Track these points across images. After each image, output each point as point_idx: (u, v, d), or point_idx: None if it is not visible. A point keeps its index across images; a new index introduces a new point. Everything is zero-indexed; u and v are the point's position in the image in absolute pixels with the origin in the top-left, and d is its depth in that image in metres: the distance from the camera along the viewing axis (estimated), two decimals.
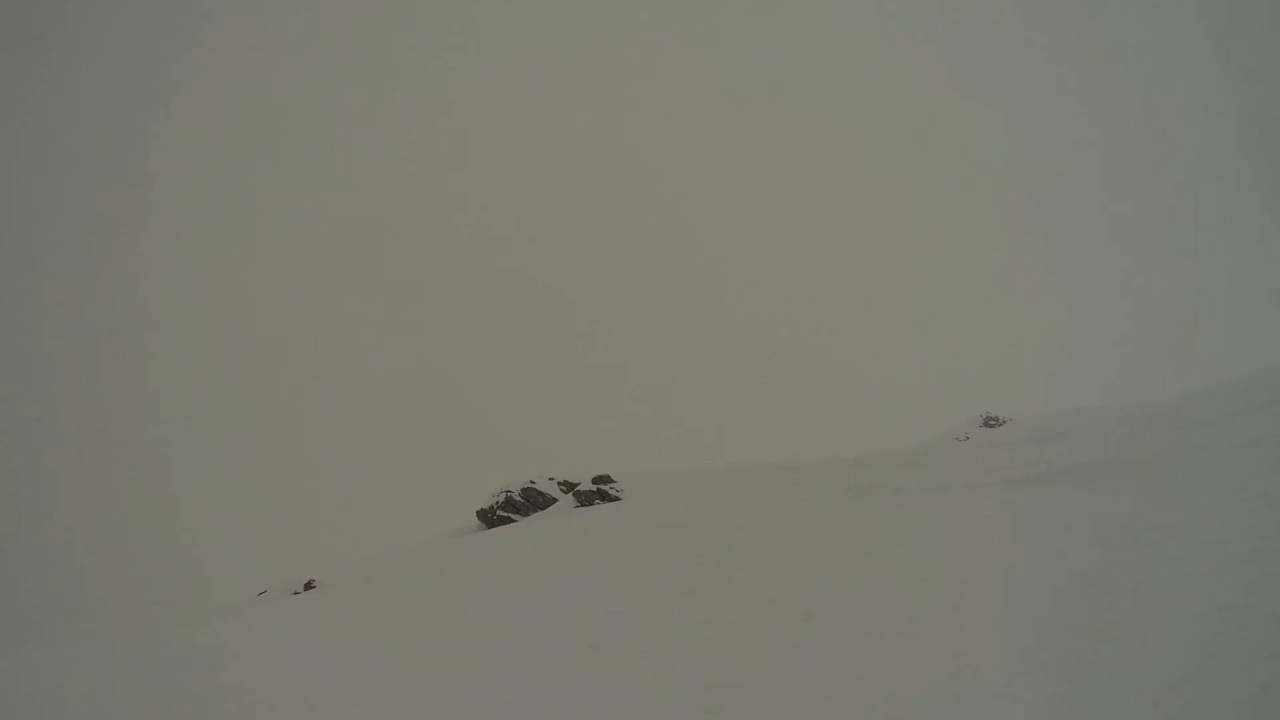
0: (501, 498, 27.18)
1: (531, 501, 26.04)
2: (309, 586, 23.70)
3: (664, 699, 7.63)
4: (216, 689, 10.15)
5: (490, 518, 26.59)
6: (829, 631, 8.58)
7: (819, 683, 7.35)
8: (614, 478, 24.34)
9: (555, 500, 25.42)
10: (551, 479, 27.06)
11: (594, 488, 23.81)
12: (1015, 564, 9.52)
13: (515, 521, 25.05)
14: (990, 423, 46.10)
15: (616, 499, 22.77)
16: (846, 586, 9.87)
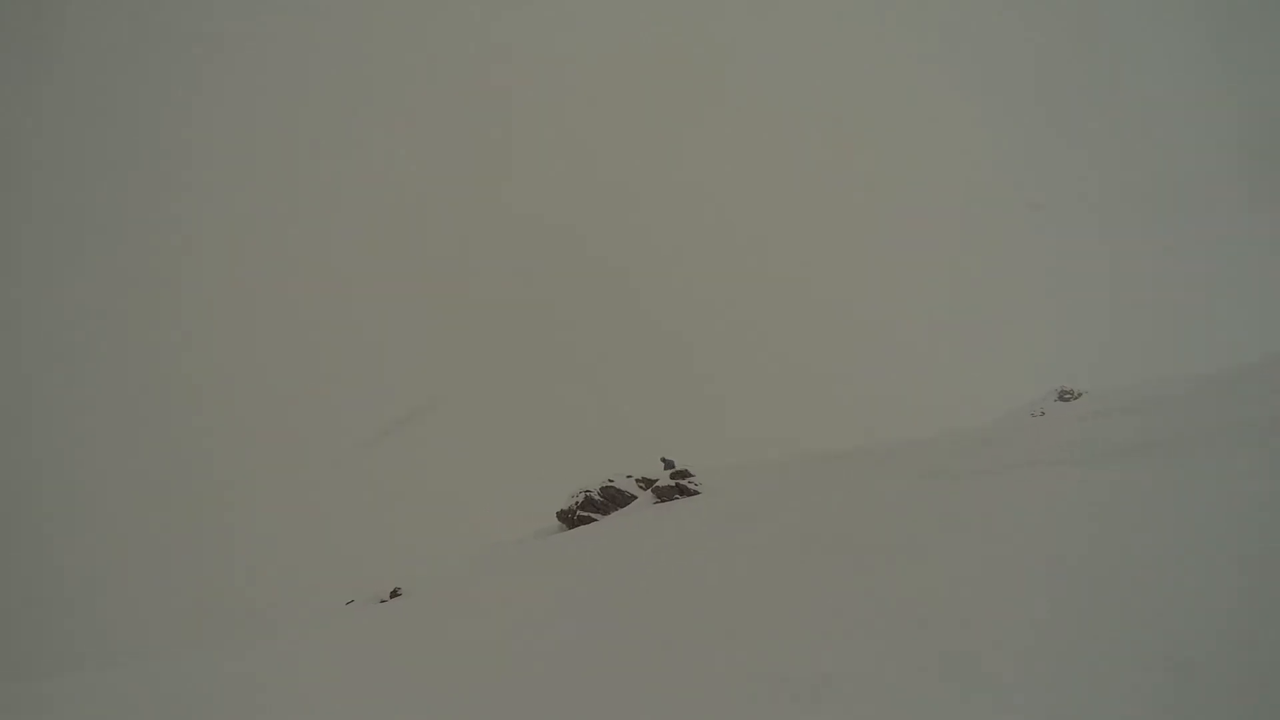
0: (581, 498, 27.77)
1: (611, 500, 26.56)
2: (394, 594, 24.60)
3: (756, 694, 7.42)
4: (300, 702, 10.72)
5: (571, 518, 27.21)
6: (921, 619, 8.26)
7: (915, 672, 7.08)
8: (691, 472, 24.75)
9: (634, 498, 25.88)
10: (630, 477, 27.53)
11: (672, 483, 24.18)
12: (1106, 544, 9.35)
13: (596, 521, 25.64)
14: (1065, 396, 45.30)
15: (695, 493, 23.12)
16: (933, 572, 9.59)
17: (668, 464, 29.38)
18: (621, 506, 25.67)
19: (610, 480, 27.48)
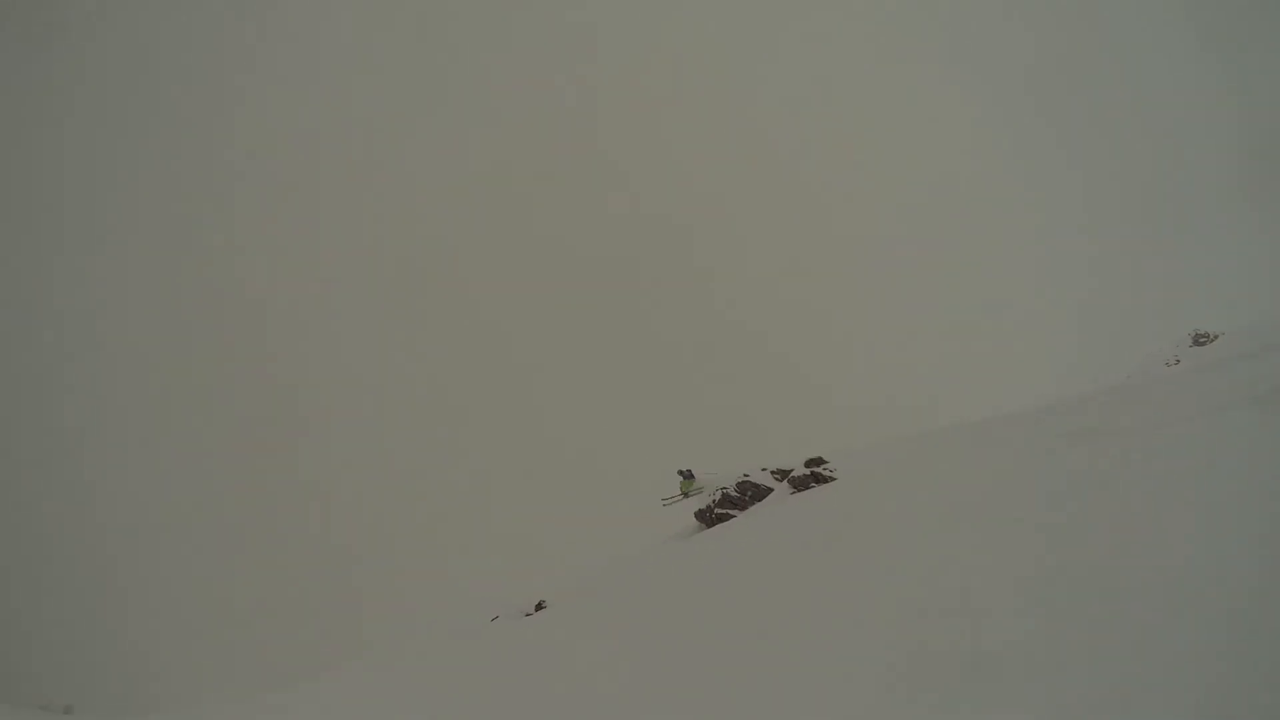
0: (717, 495, 28.24)
1: (747, 494, 26.93)
2: (539, 607, 25.46)
3: (915, 676, 7.31)
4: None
5: (709, 517, 27.72)
6: (1085, 590, 7.91)
7: (1084, 647, 6.73)
8: (826, 458, 25.01)
9: (770, 490, 26.16)
10: (764, 469, 27.80)
11: (807, 471, 24.33)
12: (1268, 498, 8.77)
13: (734, 516, 26.12)
14: (1201, 340, 43.50)
15: (831, 479, 23.36)
16: (1090, 540, 9.27)
17: (685, 474, 30.33)
18: (759, 500, 26.03)
19: (745, 474, 27.87)
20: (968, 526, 11.93)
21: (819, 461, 24.09)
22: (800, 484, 23.97)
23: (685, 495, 30.10)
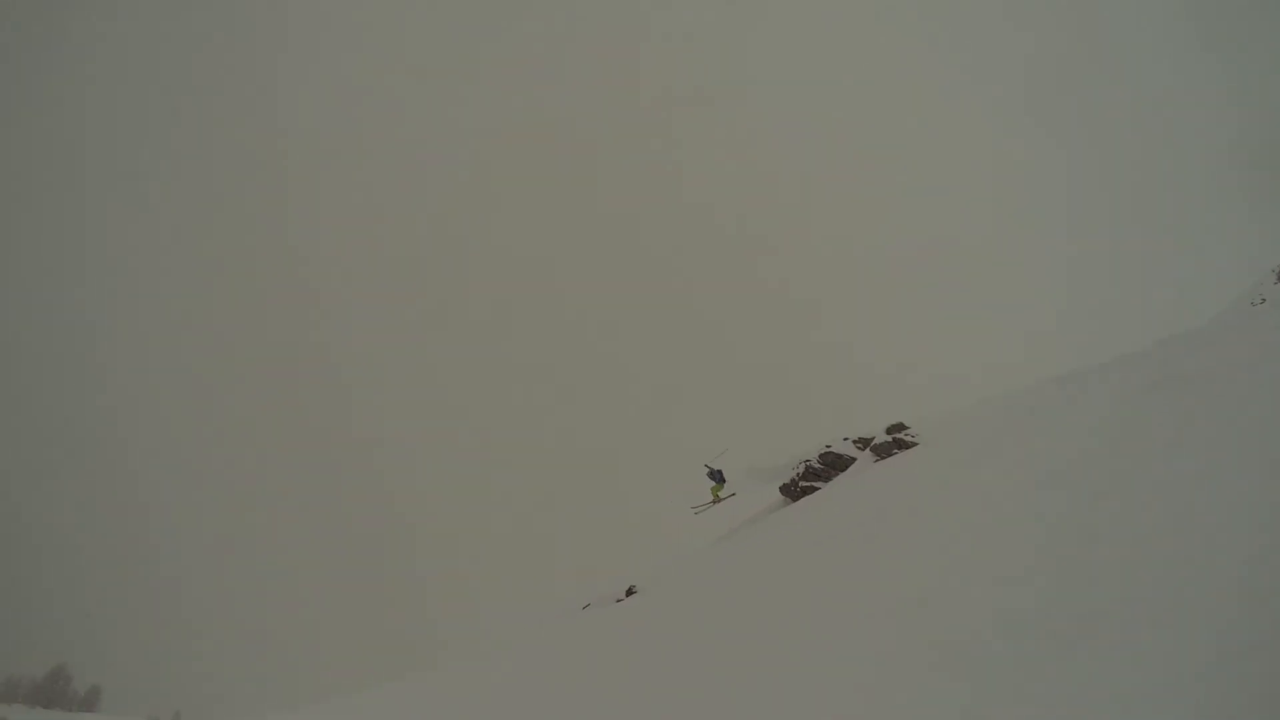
0: (801, 469, 27.28)
1: (831, 465, 25.91)
2: (630, 593, 25.14)
3: (1013, 642, 6.98)
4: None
5: (794, 490, 26.81)
6: (1183, 550, 7.36)
7: (1178, 606, 6.36)
8: (907, 424, 23.70)
9: (854, 459, 25.12)
10: (846, 439, 26.74)
11: (889, 438, 23.26)
12: None
13: (819, 489, 25.09)
14: None
15: (914, 444, 22.12)
16: (1180, 495, 8.50)
17: (713, 472, 28.11)
18: (842, 470, 24.98)
19: (828, 446, 26.82)
20: (1062, 486, 11.15)
21: (900, 427, 22.89)
22: (883, 451, 22.88)
23: (718, 500, 28.46)
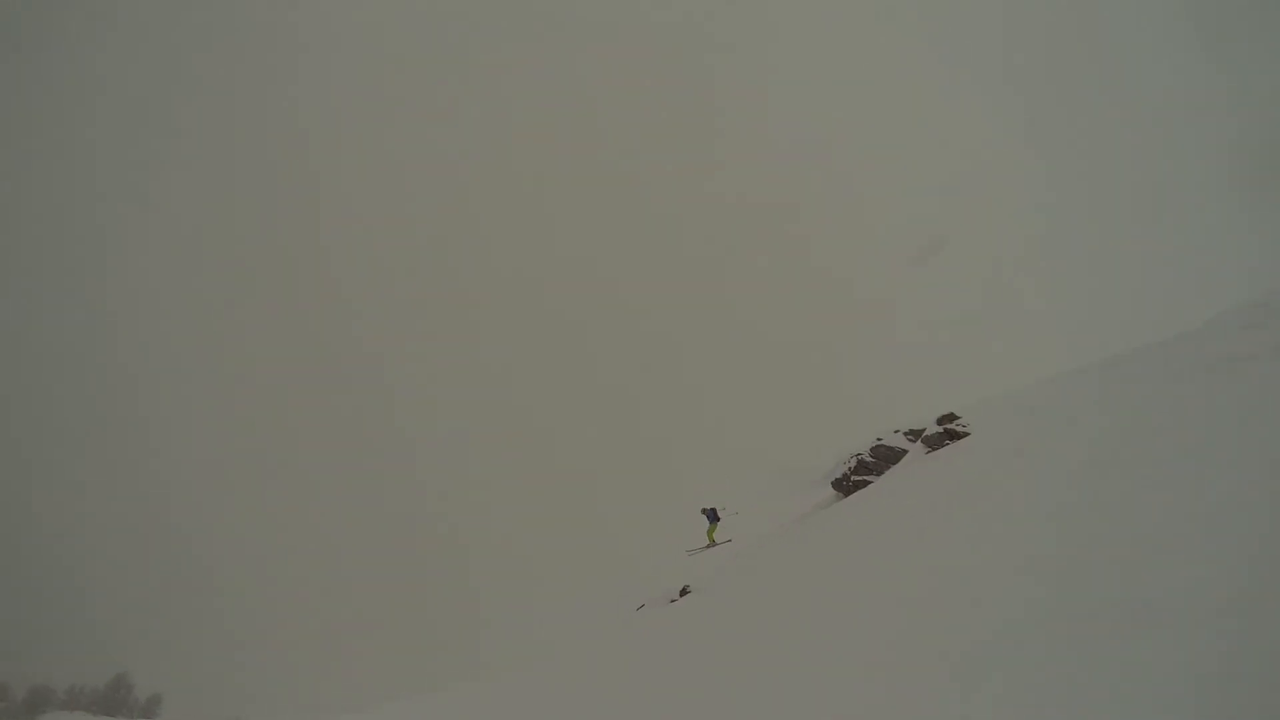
0: (852, 463, 26.99)
1: (882, 458, 25.59)
2: (684, 593, 25.06)
3: (1077, 625, 6.89)
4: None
5: (845, 485, 26.54)
6: (1251, 531, 7.22)
7: (1266, 587, 6.19)
8: (958, 414, 23.30)
9: (905, 452, 24.78)
10: (897, 431, 26.40)
11: (940, 429, 22.89)
12: None
13: (871, 482, 24.80)
14: None
15: (965, 435, 21.74)
16: (1248, 476, 8.42)
17: (710, 515, 27.35)
18: (894, 463, 24.66)
19: (879, 439, 26.50)
20: (1115, 471, 10.98)
21: (951, 417, 22.49)
22: (934, 443, 22.55)
23: (712, 544, 27.72)
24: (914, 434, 24.91)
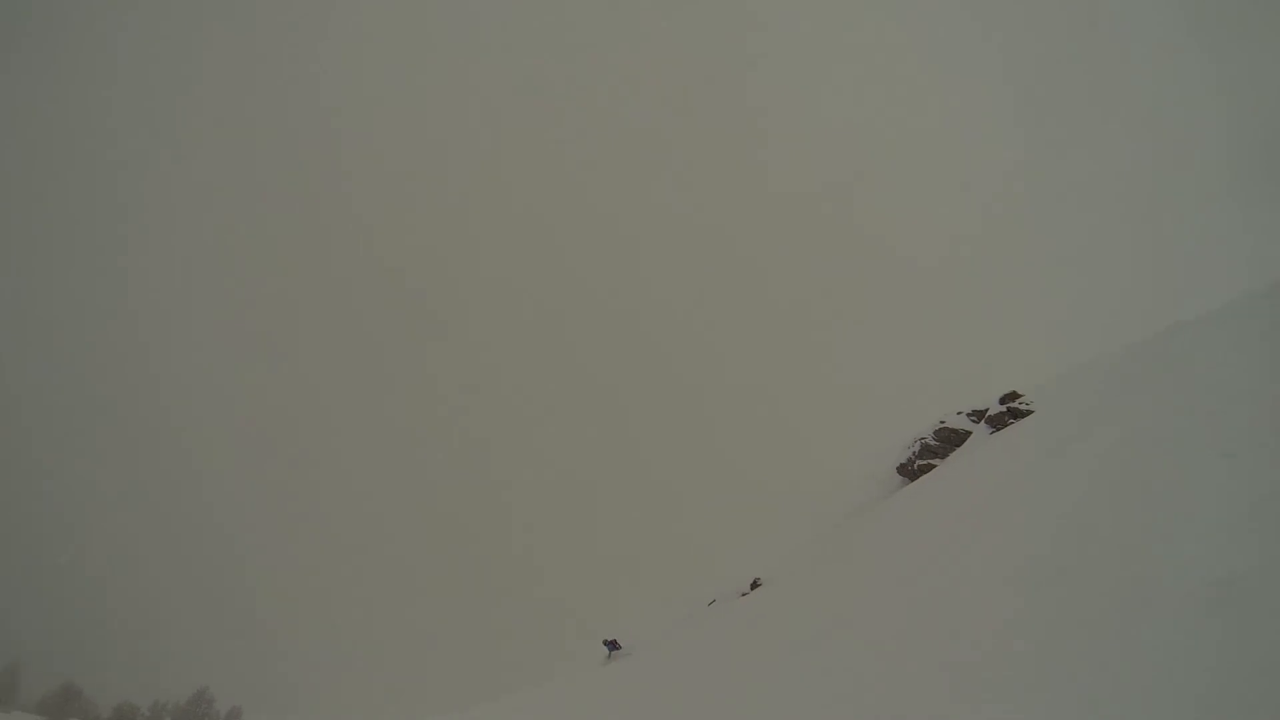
0: (916, 447, 26.87)
1: (946, 441, 25.43)
2: (755, 585, 25.25)
3: (1155, 601, 6.82)
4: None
5: (911, 470, 26.45)
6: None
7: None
8: (1021, 392, 23.11)
9: (969, 433, 24.64)
10: (960, 412, 26.21)
11: (1003, 409, 22.74)
12: None
13: (935, 466, 24.71)
14: None
15: (1028, 413, 21.58)
16: None
17: (609, 643, 27.73)
18: (958, 445, 24.53)
19: (942, 421, 26.36)
20: (1190, 449, 10.74)
21: (1014, 396, 22.31)
22: (998, 422, 22.36)
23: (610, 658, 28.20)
24: (977, 414, 24.73)
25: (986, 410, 23.70)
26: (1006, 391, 23.01)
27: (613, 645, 28.52)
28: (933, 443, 25.89)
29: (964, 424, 25.07)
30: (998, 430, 22.29)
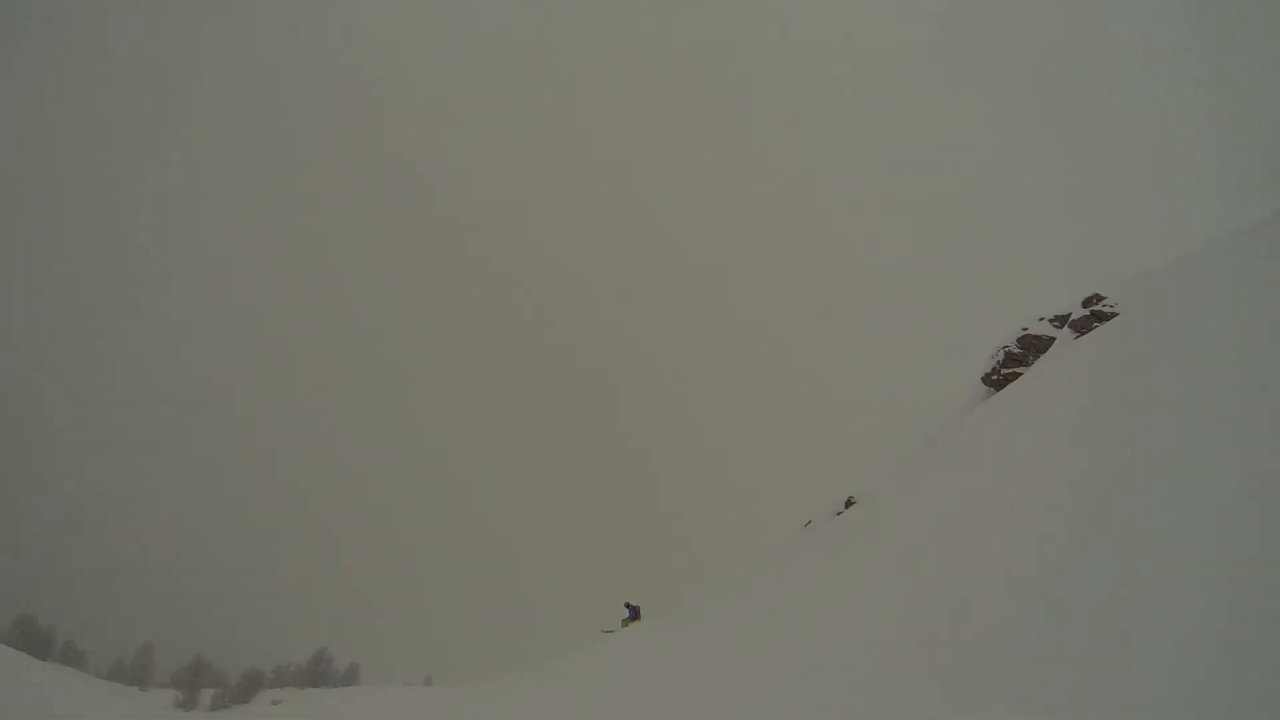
0: (1000, 356, 26.92)
1: (1029, 348, 25.45)
2: (849, 504, 25.93)
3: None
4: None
5: (996, 379, 26.62)
6: None
7: None
8: (1104, 294, 23.00)
9: (1053, 339, 24.66)
10: (1042, 318, 26.18)
11: (1087, 311, 22.71)
12: None
13: (1020, 374, 24.84)
14: None
15: (1114, 315, 21.51)
16: None
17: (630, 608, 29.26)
18: (1041, 352, 24.59)
19: (1024, 328, 26.35)
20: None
21: (1097, 298, 22.26)
22: (1082, 327, 22.40)
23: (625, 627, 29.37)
24: (1059, 320, 24.69)
25: (1069, 315, 23.67)
26: (1090, 294, 22.93)
27: (635, 613, 29.89)
28: (1016, 350, 25.97)
29: (1047, 330, 25.06)
30: (1082, 335, 22.31)
